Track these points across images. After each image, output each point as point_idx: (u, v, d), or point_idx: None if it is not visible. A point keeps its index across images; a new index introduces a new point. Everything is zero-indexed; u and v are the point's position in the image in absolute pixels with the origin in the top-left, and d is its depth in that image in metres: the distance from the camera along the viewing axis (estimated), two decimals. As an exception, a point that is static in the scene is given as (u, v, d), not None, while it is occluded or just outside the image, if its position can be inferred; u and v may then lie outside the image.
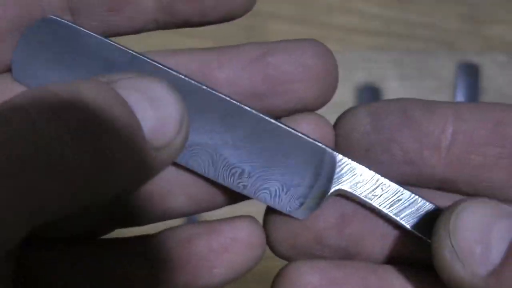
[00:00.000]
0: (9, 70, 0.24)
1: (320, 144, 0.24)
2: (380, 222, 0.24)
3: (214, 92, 0.23)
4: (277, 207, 0.24)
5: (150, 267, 0.24)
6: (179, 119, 0.19)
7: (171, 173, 0.24)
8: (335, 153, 0.23)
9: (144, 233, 0.25)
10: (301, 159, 0.24)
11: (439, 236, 0.21)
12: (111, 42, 0.23)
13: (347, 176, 0.23)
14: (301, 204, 0.24)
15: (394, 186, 0.23)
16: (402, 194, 0.23)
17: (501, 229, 0.21)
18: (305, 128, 0.24)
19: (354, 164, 0.23)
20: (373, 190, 0.23)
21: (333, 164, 0.23)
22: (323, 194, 0.24)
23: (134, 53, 0.23)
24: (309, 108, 0.24)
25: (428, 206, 0.23)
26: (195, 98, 0.23)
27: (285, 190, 0.24)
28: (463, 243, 0.21)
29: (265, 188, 0.24)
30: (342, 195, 0.24)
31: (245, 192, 0.24)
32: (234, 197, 0.25)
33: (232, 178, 0.24)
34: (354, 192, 0.23)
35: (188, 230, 0.24)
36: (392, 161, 0.24)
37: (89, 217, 0.25)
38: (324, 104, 0.24)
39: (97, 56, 0.23)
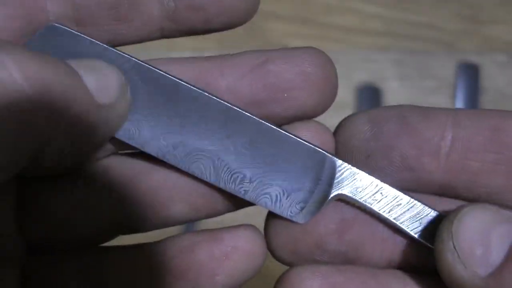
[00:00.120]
0: None
1: (320, 150, 0.24)
2: (380, 227, 0.24)
3: (216, 98, 0.24)
4: (278, 211, 0.24)
5: (151, 275, 0.24)
6: (119, 83, 0.22)
7: (172, 180, 0.25)
8: (335, 158, 0.24)
9: (146, 241, 0.26)
10: (302, 164, 0.24)
11: (442, 238, 0.22)
12: (114, 50, 0.24)
13: (347, 181, 0.24)
14: (302, 208, 0.24)
15: (394, 191, 0.24)
16: (401, 199, 0.24)
17: (501, 233, 0.21)
18: (305, 135, 0.24)
19: (354, 169, 0.24)
20: (373, 195, 0.24)
21: (333, 169, 0.24)
22: (324, 199, 0.24)
23: (136, 60, 0.24)
24: (309, 115, 0.25)
25: (427, 211, 0.24)
26: (198, 105, 0.24)
27: (286, 195, 0.24)
28: (464, 245, 0.21)
29: (266, 193, 0.24)
30: (343, 199, 0.24)
31: (246, 197, 0.24)
32: (234, 204, 0.25)
33: (234, 183, 0.24)
34: (354, 197, 0.24)
35: (190, 238, 0.25)
36: (392, 167, 0.24)
37: (92, 224, 0.25)
38: (324, 111, 0.25)
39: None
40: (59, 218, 0.25)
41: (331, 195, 0.24)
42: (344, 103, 0.58)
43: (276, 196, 0.24)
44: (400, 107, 0.24)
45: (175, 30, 0.24)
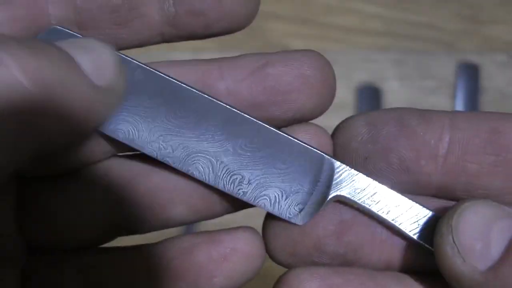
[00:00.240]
0: None
1: (318, 151, 0.24)
2: (379, 228, 0.24)
3: (215, 100, 0.24)
4: (277, 213, 0.24)
5: (150, 276, 0.24)
6: (114, 63, 0.22)
7: (172, 182, 0.25)
8: (333, 160, 0.24)
9: (145, 242, 0.26)
10: (300, 166, 0.24)
11: (442, 233, 0.22)
12: (116, 52, 0.24)
13: (346, 182, 0.24)
14: (300, 210, 0.24)
15: (392, 193, 0.24)
16: (399, 201, 0.24)
17: (501, 228, 0.21)
18: (304, 137, 0.24)
19: (352, 171, 0.24)
20: (371, 196, 0.24)
21: (331, 171, 0.24)
22: (322, 200, 0.24)
23: (137, 62, 0.24)
24: (308, 117, 0.25)
25: (425, 212, 0.24)
26: (197, 107, 0.24)
27: (284, 196, 0.24)
28: (464, 239, 0.21)
29: (264, 195, 0.24)
30: (341, 201, 0.24)
31: (244, 199, 0.24)
32: (233, 205, 0.25)
33: (232, 185, 0.24)
34: (352, 198, 0.24)
35: (189, 239, 0.25)
36: (390, 169, 0.24)
37: (91, 225, 0.25)
38: (322, 113, 0.25)
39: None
40: (58, 219, 0.25)
41: (330, 197, 0.24)
42: (344, 103, 0.58)
43: (275, 197, 0.24)
44: (398, 109, 0.25)
45: (175, 35, 0.24)
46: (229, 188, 0.24)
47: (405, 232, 0.24)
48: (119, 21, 0.24)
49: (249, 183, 0.24)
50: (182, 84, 0.24)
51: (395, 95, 0.59)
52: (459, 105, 0.58)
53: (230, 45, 0.61)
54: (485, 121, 0.24)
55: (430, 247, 0.23)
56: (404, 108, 0.25)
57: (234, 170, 0.24)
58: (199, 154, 0.24)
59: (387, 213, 0.24)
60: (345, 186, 0.24)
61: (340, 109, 0.62)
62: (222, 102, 0.24)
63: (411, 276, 0.24)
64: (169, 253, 0.25)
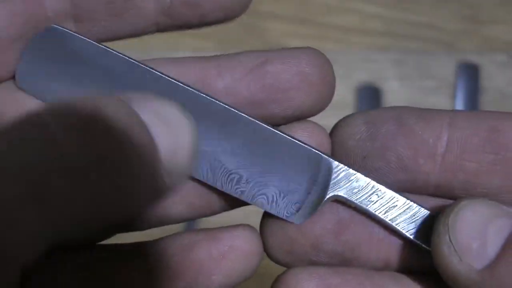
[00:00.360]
0: (13, 77, 0.24)
1: (316, 151, 0.24)
2: (376, 227, 0.24)
3: (212, 100, 0.24)
4: (274, 212, 0.24)
5: (149, 273, 0.24)
6: (192, 146, 0.19)
7: None
8: (331, 159, 0.24)
9: (145, 239, 0.26)
10: (298, 165, 0.24)
11: (438, 232, 0.22)
12: (113, 51, 0.24)
13: (343, 182, 0.24)
14: (298, 209, 0.24)
15: (390, 193, 0.24)
16: (397, 200, 0.24)
17: (497, 227, 0.21)
18: (302, 136, 0.24)
19: (350, 170, 0.24)
20: (369, 196, 0.24)
21: (329, 170, 0.24)
22: (320, 200, 0.24)
23: (135, 61, 0.24)
24: (307, 115, 0.25)
25: (423, 212, 0.24)
26: (194, 106, 0.24)
27: (282, 195, 0.24)
28: (460, 238, 0.21)
29: (262, 194, 0.24)
30: (339, 201, 0.24)
31: (242, 198, 0.24)
32: (232, 203, 0.25)
33: (230, 184, 0.24)
34: (350, 198, 0.24)
35: (188, 237, 0.25)
36: (388, 168, 0.24)
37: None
38: (321, 110, 0.25)
39: (99, 64, 0.24)
40: None
41: (327, 196, 0.24)
42: (344, 103, 0.58)
43: (273, 196, 0.24)
44: (397, 108, 0.25)
45: (170, 25, 0.24)
46: (227, 187, 0.24)
47: (402, 232, 0.24)
48: (114, 12, 0.24)
49: (246, 182, 0.24)
50: (180, 84, 0.24)
51: (395, 95, 0.59)
52: (459, 105, 0.58)
53: (229, 45, 0.61)
54: (484, 120, 0.24)
55: (427, 247, 0.23)
56: (403, 107, 0.25)
57: (232, 169, 0.24)
58: (197, 154, 0.24)
59: (385, 213, 0.24)
60: (342, 186, 0.24)
61: (340, 109, 0.62)
62: (220, 101, 0.24)
63: (409, 276, 0.24)
64: (169, 251, 0.24)
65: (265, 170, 0.24)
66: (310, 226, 0.24)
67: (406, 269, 0.24)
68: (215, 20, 0.24)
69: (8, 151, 0.16)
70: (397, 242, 0.24)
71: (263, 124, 0.24)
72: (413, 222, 0.24)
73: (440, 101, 0.58)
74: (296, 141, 0.24)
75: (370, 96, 0.59)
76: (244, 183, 0.24)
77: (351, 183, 0.24)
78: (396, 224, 0.24)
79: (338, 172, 0.24)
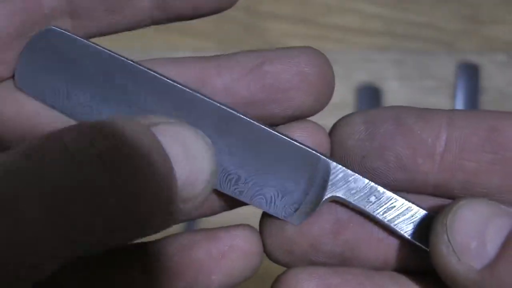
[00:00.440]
0: (12, 77, 0.24)
1: (314, 152, 0.24)
2: (375, 228, 0.24)
3: (210, 100, 0.24)
4: (273, 212, 0.24)
5: (149, 273, 0.24)
6: (210, 174, 0.19)
7: None
8: (329, 160, 0.24)
9: (144, 240, 0.26)
10: (296, 166, 0.24)
11: (437, 231, 0.22)
12: (110, 52, 0.24)
13: (341, 183, 0.24)
14: (296, 209, 0.24)
15: (388, 193, 0.24)
16: (395, 201, 0.24)
17: (497, 226, 0.21)
18: (301, 135, 0.24)
19: (348, 171, 0.24)
20: (367, 197, 0.24)
21: (327, 171, 0.24)
22: (318, 201, 0.24)
23: (132, 62, 0.24)
24: (306, 115, 0.25)
25: (422, 213, 0.24)
26: (192, 106, 0.24)
27: (280, 196, 0.24)
28: (459, 238, 0.21)
29: (260, 194, 0.24)
30: (337, 201, 0.24)
31: (241, 198, 0.24)
32: (231, 203, 0.25)
33: (229, 184, 0.24)
34: (348, 199, 0.24)
35: (188, 237, 0.25)
36: (387, 167, 0.24)
37: None
38: (320, 109, 0.25)
39: (97, 65, 0.24)
40: None
41: (325, 197, 0.24)
42: (344, 103, 0.58)
43: (271, 197, 0.24)
44: (396, 108, 0.25)
45: (164, 17, 0.24)
46: (226, 188, 0.24)
47: (400, 233, 0.24)
48: (110, 7, 0.24)
49: (245, 182, 0.24)
50: (176, 84, 0.24)
51: (395, 95, 0.59)
52: (459, 105, 0.58)
53: (229, 45, 0.61)
54: (483, 119, 0.24)
55: (426, 248, 0.23)
56: (402, 106, 0.25)
57: (230, 170, 0.24)
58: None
59: (383, 214, 0.24)
60: (340, 186, 0.24)
61: (340, 109, 0.62)
62: (217, 102, 0.24)
63: (409, 276, 0.24)
64: (168, 250, 0.24)
65: (263, 171, 0.24)
66: (308, 227, 0.24)
67: (405, 269, 0.24)
68: (208, 10, 0.24)
69: (29, 172, 0.16)
70: (396, 242, 0.24)
71: (261, 125, 0.24)
72: (411, 222, 0.24)
73: (440, 101, 0.58)
74: (294, 141, 0.24)
75: (370, 96, 0.59)
76: (242, 183, 0.24)
77: (349, 183, 0.24)
78: (395, 225, 0.24)
79: (336, 173, 0.24)
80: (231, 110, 0.24)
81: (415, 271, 0.24)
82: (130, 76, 0.24)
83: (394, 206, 0.24)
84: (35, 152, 0.17)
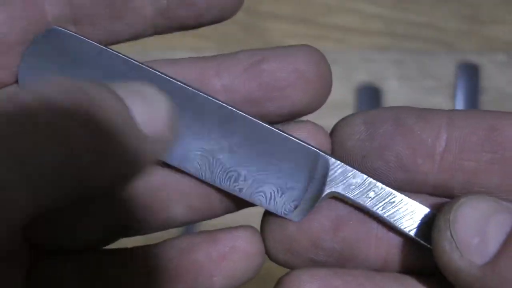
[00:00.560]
0: (17, 81, 0.25)
1: (313, 148, 0.24)
2: (375, 225, 0.24)
3: (211, 98, 0.24)
4: (272, 209, 0.24)
5: (149, 275, 0.24)
6: (168, 114, 0.21)
7: (170, 182, 0.25)
8: (328, 156, 0.24)
9: (145, 243, 0.26)
10: (295, 162, 0.24)
11: (439, 227, 0.22)
12: (114, 52, 0.24)
13: (340, 178, 0.24)
14: (296, 206, 0.24)
15: (387, 189, 0.24)
16: (394, 197, 0.24)
17: (498, 223, 0.22)
18: (301, 135, 0.24)
19: (347, 167, 0.24)
20: (366, 193, 0.24)
21: (326, 167, 0.24)
22: (317, 197, 0.24)
23: (135, 62, 0.24)
24: (304, 113, 0.25)
25: (421, 208, 0.24)
26: (193, 105, 0.24)
27: (280, 193, 0.24)
28: (461, 234, 0.22)
29: (260, 191, 0.24)
30: (336, 197, 0.24)
31: (241, 195, 0.24)
32: (232, 205, 0.25)
33: (229, 181, 0.24)
34: (347, 195, 0.24)
35: (189, 239, 0.25)
36: (387, 168, 0.24)
37: (91, 227, 0.25)
38: (318, 107, 0.25)
39: (100, 65, 0.24)
40: (59, 220, 0.25)
41: (325, 193, 0.24)
42: (344, 103, 0.58)
43: (271, 194, 0.24)
44: (395, 108, 0.25)
45: (168, 26, 0.24)
46: (226, 185, 0.24)
47: (400, 228, 0.24)
48: (113, 15, 0.24)
49: (245, 179, 0.24)
50: (178, 82, 0.24)
51: (395, 95, 0.59)
52: (459, 105, 0.58)
53: (229, 45, 0.61)
54: (482, 119, 0.24)
55: (426, 244, 0.23)
56: (402, 106, 0.25)
57: (230, 167, 0.24)
58: (195, 152, 0.24)
59: (382, 209, 0.24)
60: (340, 182, 0.24)
61: (340, 109, 0.62)
62: (218, 100, 0.24)
63: (410, 276, 0.24)
64: (168, 253, 0.25)
65: (263, 168, 0.24)
66: (308, 224, 0.24)
67: (405, 268, 0.24)
68: (211, 19, 0.24)
69: None
70: (396, 240, 0.24)
71: (261, 122, 0.24)
72: (411, 218, 0.24)
73: (440, 101, 0.58)
74: (293, 138, 0.24)
75: (370, 96, 0.59)
76: (242, 180, 0.24)
77: (348, 179, 0.24)
78: (394, 220, 0.24)
79: (335, 168, 0.24)
80: (230, 108, 0.24)
81: (415, 271, 0.24)
82: (133, 75, 0.24)
83: (393, 202, 0.24)
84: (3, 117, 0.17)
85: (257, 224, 0.25)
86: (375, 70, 0.59)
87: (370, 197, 0.24)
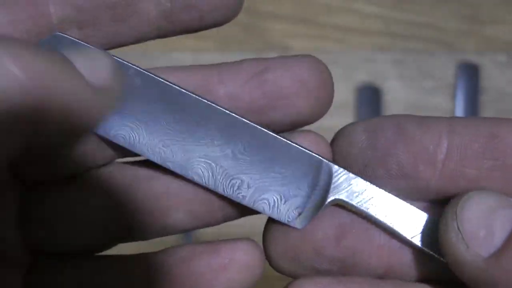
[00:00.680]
0: None
1: (317, 155, 0.24)
2: (377, 233, 0.25)
3: (214, 105, 0.24)
4: (276, 217, 0.24)
5: (149, 285, 0.25)
6: (110, 65, 0.22)
7: (172, 188, 0.25)
8: (331, 164, 0.24)
9: (145, 251, 0.26)
10: (299, 170, 0.24)
11: (446, 220, 0.22)
12: (116, 58, 0.24)
13: (344, 186, 0.24)
14: (299, 213, 0.24)
15: (390, 196, 0.24)
16: (397, 204, 0.24)
17: (504, 217, 0.22)
18: (303, 145, 0.24)
19: (350, 174, 0.24)
20: (369, 200, 0.24)
21: (329, 174, 0.24)
22: (321, 204, 0.24)
23: (137, 67, 0.24)
24: (307, 122, 0.25)
25: (423, 215, 0.24)
26: (196, 111, 0.24)
27: (283, 200, 0.24)
28: (468, 226, 0.22)
29: (263, 199, 0.24)
30: (339, 204, 0.25)
31: (244, 203, 0.24)
32: (234, 212, 0.25)
33: (232, 189, 0.24)
34: (350, 202, 0.24)
35: (188, 249, 0.25)
36: (388, 175, 0.24)
37: (91, 231, 0.25)
38: (320, 116, 0.25)
39: None
40: (59, 224, 0.25)
41: (328, 200, 0.24)
42: (344, 103, 0.58)
43: (274, 201, 0.24)
44: (396, 116, 0.25)
45: (171, 29, 0.25)
46: (229, 192, 0.24)
47: (403, 236, 0.24)
48: (117, 18, 0.24)
49: (248, 187, 0.24)
50: (182, 89, 0.24)
51: (395, 95, 0.59)
52: (459, 105, 0.58)
53: (229, 46, 0.61)
54: (482, 126, 0.24)
55: (428, 251, 0.24)
56: (403, 114, 0.25)
57: (234, 174, 0.24)
58: (199, 159, 0.24)
59: (385, 216, 0.24)
60: (343, 189, 0.24)
61: (340, 109, 0.62)
62: (221, 107, 0.24)
63: (413, 284, 0.24)
64: (168, 262, 0.25)
65: (266, 175, 0.24)
66: (311, 232, 0.24)
67: (408, 275, 0.25)
68: (213, 21, 0.25)
69: None
70: (398, 247, 0.25)
71: (264, 129, 0.24)
72: (413, 225, 0.24)
73: (440, 101, 0.59)
74: (297, 146, 0.24)
75: (370, 96, 0.59)
76: (245, 188, 0.24)
77: (351, 186, 0.24)
78: (397, 227, 0.24)
79: (339, 176, 0.24)
80: (235, 115, 0.24)
81: (419, 279, 0.25)
82: (136, 81, 0.24)
83: (396, 209, 0.24)
84: None
85: (254, 234, 0.26)
86: (375, 70, 0.59)
87: (373, 204, 0.24)
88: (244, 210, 0.25)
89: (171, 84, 0.24)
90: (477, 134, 0.24)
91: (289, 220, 0.24)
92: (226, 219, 0.26)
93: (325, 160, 0.24)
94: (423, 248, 0.24)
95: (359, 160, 0.24)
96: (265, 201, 0.24)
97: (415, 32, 0.61)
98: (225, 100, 0.24)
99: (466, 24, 0.61)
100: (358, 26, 0.61)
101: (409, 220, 0.24)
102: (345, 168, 0.24)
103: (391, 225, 0.24)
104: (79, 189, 0.25)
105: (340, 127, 0.26)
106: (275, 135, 0.24)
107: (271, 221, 0.25)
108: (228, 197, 0.24)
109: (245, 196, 0.24)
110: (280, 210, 0.24)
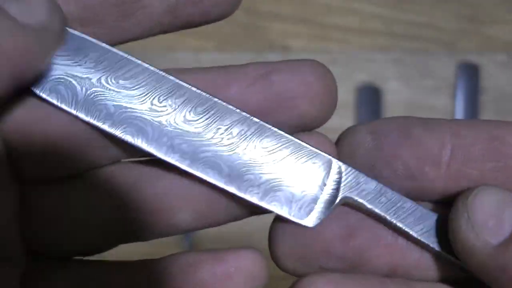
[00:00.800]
0: None
1: (326, 155, 0.24)
2: (384, 233, 0.25)
3: (225, 104, 0.24)
4: (287, 215, 0.24)
5: None
6: (45, 3, 0.22)
7: (177, 188, 0.25)
8: (340, 163, 0.24)
9: (148, 254, 0.26)
10: (309, 169, 0.24)
11: (457, 208, 0.23)
12: (123, 54, 0.24)
13: (353, 184, 0.24)
14: (310, 212, 0.24)
15: (397, 195, 0.24)
16: (405, 203, 0.24)
17: None
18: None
19: (359, 173, 0.24)
20: (378, 198, 0.24)
21: (339, 173, 0.24)
22: (332, 202, 0.24)
23: (144, 64, 0.24)
24: (312, 125, 0.25)
25: (430, 214, 0.24)
26: (207, 110, 0.24)
27: (294, 199, 0.24)
28: (478, 215, 0.23)
29: (274, 197, 0.24)
30: (349, 203, 0.25)
31: (254, 201, 0.24)
32: (239, 212, 0.25)
33: (245, 187, 0.24)
34: (360, 200, 0.24)
35: (193, 256, 0.25)
36: (394, 176, 0.24)
37: (94, 231, 0.25)
38: (325, 120, 0.25)
39: (104, 64, 0.24)
40: (60, 224, 0.25)
41: (338, 198, 0.24)
42: (344, 103, 0.58)
43: (285, 200, 0.24)
44: (400, 118, 0.25)
45: (174, 24, 0.25)
46: (240, 191, 0.24)
47: (411, 234, 0.24)
48: (122, 13, 0.24)
49: (259, 185, 0.24)
50: (193, 88, 0.24)
51: (395, 95, 0.59)
52: (459, 105, 0.58)
53: (229, 45, 0.61)
54: (484, 129, 0.24)
55: (435, 249, 0.24)
56: (406, 116, 0.25)
57: (245, 173, 0.24)
58: (209, 157, 0.24)
59: (393, 214, 0.24)
60: (353, 188, 0.24)
61: (340, 109, 0.62)
62: (230, 105, 0.24)
63: (420, 283, 0.25)
64: (172, 269, 0.25)
65: (277, 174, 0.24)
66: (320, 231, 0.25)
67: (415, 274, 0.25)
68: (215, 16, 0.25)
69: None
70: (406, 246, 0.25)
71: (274, 129, 0.24)
72: (420, 223, 0.24)
73: (440, 101, 0.59)
74: (307, 145, 0.24)
75: (370, 96, 0.59)
76: (256, 186, 0.24)
77: (361, 185, 0.24)
78: (405, 226, 0.24)
79: (348, 175, 0.24)
80: (245, 114, 0.24)
81: (427, 278, 0.25)
82: (140, 77, 0.24)
83: (404, 207, 0.24)
84: None
85: (254, 237, 0.25)
86: (375, 70, 0.59)
87: (382, 203, 0.24)
88: (250, 210, 0.25)
89: (173, 78, 0.24)
90: (479, 137, 0.24)
91: (300, 218, 0.24)
92: (231, 219, 0.25)
93: (334, 159, 0.24)
94: (431, 245, 0.24)
95: (366, 160, 0.25)
96: (276, 200, 0.24)
97: (415, 32, 0.61)
98: (231, 102, 0.24)
99: (466, 24, 0.61)
100: (358, 26, 0.61)
101: (417, 219, 0.24)
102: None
103: (399, 224, 0.24)
104: (81, 189, 0.25)
105: (340, 127, 0.26)
106: (287, 135, 0.24)
107: (277, 220, 0.25)
108: (239, 195, 0.24)
109: (258, 194, 0.24)
110: (291, 208, 0.24)
